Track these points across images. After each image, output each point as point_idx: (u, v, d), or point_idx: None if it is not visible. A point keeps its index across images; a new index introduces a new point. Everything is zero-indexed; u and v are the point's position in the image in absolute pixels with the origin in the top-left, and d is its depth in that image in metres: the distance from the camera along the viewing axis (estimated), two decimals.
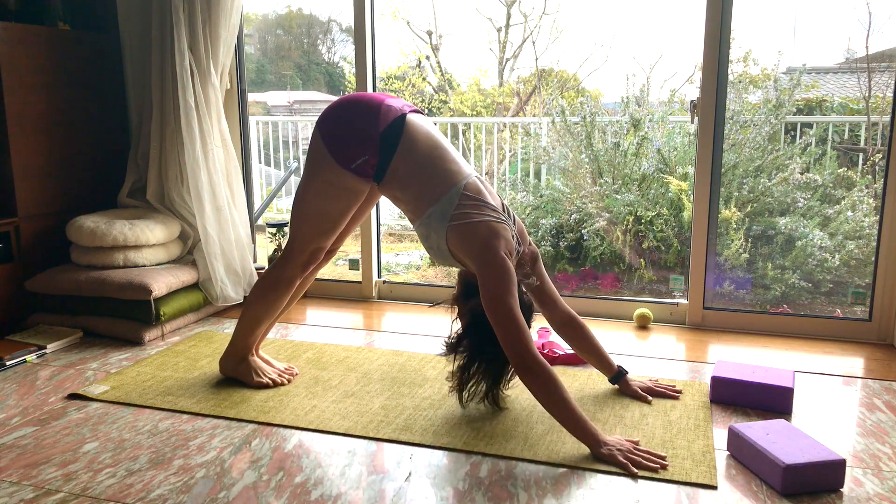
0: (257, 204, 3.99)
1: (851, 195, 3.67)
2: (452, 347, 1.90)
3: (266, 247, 3.20)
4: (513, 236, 1.87)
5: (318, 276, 2.29)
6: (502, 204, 1.96)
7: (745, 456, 1.65)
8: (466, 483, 1.59)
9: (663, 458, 1.67)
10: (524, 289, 1.94)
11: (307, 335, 2.64)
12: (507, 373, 1.91)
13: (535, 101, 6.44)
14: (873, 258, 2.57)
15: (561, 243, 4.07)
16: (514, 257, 1.88)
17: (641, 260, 3.92)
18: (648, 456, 1.67)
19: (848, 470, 1.64)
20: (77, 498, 1.53)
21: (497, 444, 1.75)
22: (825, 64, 5.45)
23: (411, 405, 1.99)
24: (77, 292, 2.60)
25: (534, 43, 6.63)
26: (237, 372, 2.14)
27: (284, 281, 2.06)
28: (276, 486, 1.58)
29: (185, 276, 2.71)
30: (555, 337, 2.29)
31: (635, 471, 1.62)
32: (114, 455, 1.72)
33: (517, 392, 2.04)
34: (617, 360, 2.09)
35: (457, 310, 1.96)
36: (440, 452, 1.73)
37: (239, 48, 3.01)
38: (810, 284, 3.56)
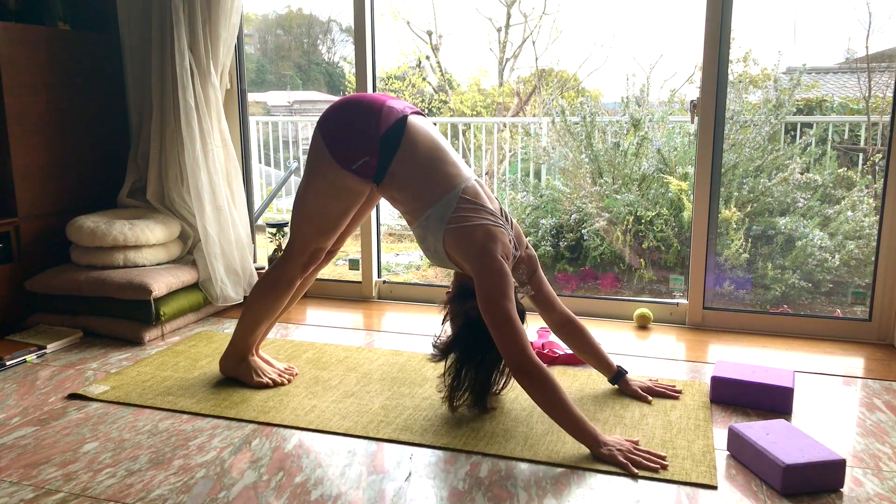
0: (257, 204, 3.99)
1: (851, 195, 3.67)
2: (443, 353, 1.90)
3: (266, 247, 3.20)
4: (510, 240, 1.87)
5: (318, 277, 2.29)
6: (500, 208, 1.96)
7: (745, 456, 1.65)
8: (466, 483, 1.59)
9: (663, 458, 1.67)
10: (519, 295, 1.94)
11: (307, 335, 2.64)
12: (497, 378, 1.91)
13: (535, 101, 6.44)
14: (873, 258, 2.57)
15: (561, 243, 4.07)
16: (511, 261, 1.88)
17: (641, 260, 3.92)
18: (648, 456, 1.67)
19: (848, 470, 1.64)
20: (77, 498, 1.53)
21: (497, 444, 1.75)
22: (825, 64, 5.45)
23: (411, 405, 1.99)
24: (77, 292, 2.60)
25: (534, 43, 6.63)
26: (237, 372, 2.14)
27: (284, 281, 2.06)
28: (276, 486, 1.58)
29: (185, 276, 2.71)
30: (554, 337, 2.28)
31: (635, 471, 1.62)
32: (114, 455, 1.72)
33: (517, 392, 2.04)
34: (617, 360, 2.09)
35: (449, 311, 1.96)
36: (440, 452, 1.73)
37: (239, 48, 3.01)
38: (810, 284, 3.56)
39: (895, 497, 1.53)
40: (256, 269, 2.98)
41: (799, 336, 2.61)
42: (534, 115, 6.22)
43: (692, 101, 2.65)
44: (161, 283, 2.56)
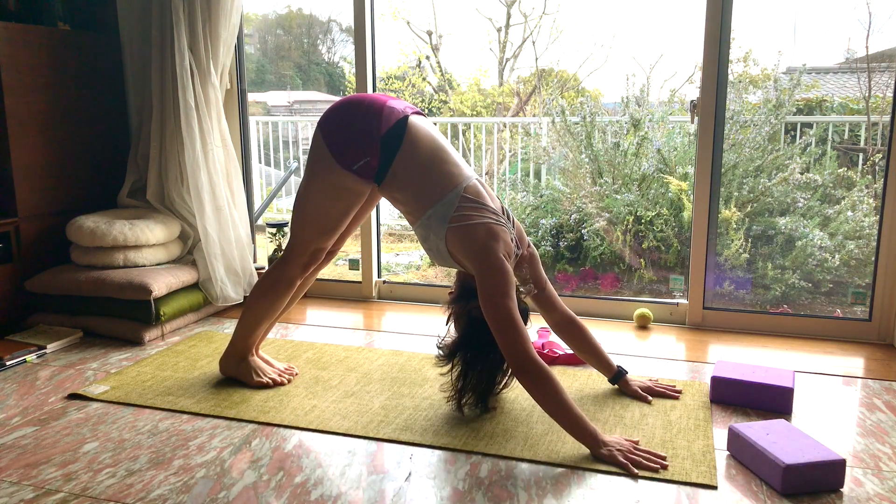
0: (257, 204, 3.99)
1: (851, 195, 3.67)
2: (449, 355, 1.90)
3: (266, 247, 3.20)
4: (511, 239, 1.88)
5: (318, 277, 2.29)
6: (502, 207, 1.96)
7: (745, 456, 1.65)
8: (466, 483, 1.59)
9: (663, 458, 1.67)
10: (520, 294, 1.94)
11: (307, 335, 2.64)
12: (501, 378, 1.91)
13: (535, 101, 6.44)
14: (873, 258, 2.57)
15: (561, 243, 4.07)
16: (513, 260, 1.88)
17: (641, 260, 3.92)
18: (648, 456, 1.67)
19: (848, 470, 1.64)
20: (77, 498, 1.53)
21: (497, 444, 1.75)
22: (825, 64, 5.45)
23: (411, 405, 1.99)
24: (77, 292, 2.60)
25: (534, 43, 6.64)
26: (237, 372, 2.14)
27: (285, 281, 2.06)
28: (276, 486, 1.58)
29: (185, 276, 2.71)
30: (555, 337, 2.28)
31: (635, 471, 1.62)
32: (114, 455, 1.72)
33: (517, 392, 2.04)
34: (617, 360, 2.09)
35: (452, 312, 1.96)
36: (440, 452, 1.73)
37: (239, 48, 3.01)
38: (810, 284, 3.56)
39: (895, 497, 1.53)
40: (256, 269, 2.98)
41: (799, 336, 2.61)
42: (534, 115, 6.22)
43: (692, 101, 2.65)
44: (161, 283, 2.56)
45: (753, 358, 2.37)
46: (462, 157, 1.98)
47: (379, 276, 3.18)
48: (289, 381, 2.16)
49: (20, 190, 2.65)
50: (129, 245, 2.66)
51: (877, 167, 3.88)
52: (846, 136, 4.29)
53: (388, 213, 5.53)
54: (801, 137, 4.06)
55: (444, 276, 4.35)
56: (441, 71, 7.09)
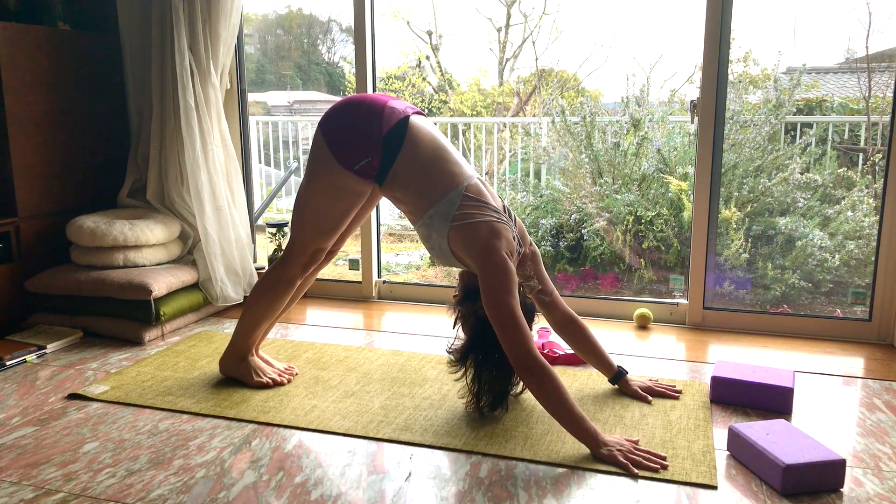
0: (257, 204, 3.99)
1: (851, 195, 3.67)
2: (461, 358, 1.89)
3: (266, 247, 3.20)
4: (514, 237, 1.88)
5: (318, 276, 2.29)
6: (503, 205, 1.96)
7: (745, 456, 1.65)
8: (466, 483, 1.59)
9: (663, 458, 1.67)
10: (525, 291, 1.94)
11: (307, 335, 2.64)
12: (517, 378, 1.90)
13: (535, 101, 6.44)
14: (873, 258, 2.57)
15: (561, 243, 4.07)
16: (516, 258, 1.88)
17: (641, 260, 3.92)
18: (648, 456, 1.67)
19: (848, 470, 1.64)
20: (77, 498, 1.53)
21: (497, 444, 1.75)
22: (825, 64, 5.45)
23: (411, 405, 1.99)
24: (77, 292, 2.60)
25: (534, 43, 6.64)
26: (237, 372, 2.14)
27: (285, 281, 2.06)
28: (276, 486, 1.58)
29: (185, 276, 2.71)
30: (555, 337, 2.28)
31: (636, 471, 1.62)
32: (114, 455, 1.72)
33: (516, 393, 2.04)
34: (617, 360, 2.09)
35: (459, 314, 1.95)
36: (440, 452, 1.73)
37: (239, 48, 3.01)
38: (810, 284, 3.56)
39: (895, 497, 1.53)
40: (256, 269, 2.98)
41: (799, 336, 2.61)
42: (534, 115, 6.22)
43: (692, 101, 2.65)
44: (161, 283, 2.56)
45: (753, 358, 2.37)
46: (462, 156, 1.98)
47: (379, 276, 3.18)
48: (289, 381, 2.16)
49: (20, 190, 2.65)
50: (129, 245, 2.66)
51: (877, 167, 3.88)
52: (846, 136, 4.29)
53: (388, 213, 5.53)
54: (801, 137, 4.06)
55: (445, 276, 4.35)
56: (441, 71, 7.09)
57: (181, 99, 2.70)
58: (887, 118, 2.87)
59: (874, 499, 1.53)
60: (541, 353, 2.28)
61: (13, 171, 2.61)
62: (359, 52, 2.94)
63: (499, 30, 6.80)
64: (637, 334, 2.65)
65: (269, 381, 2.12)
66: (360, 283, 3.15)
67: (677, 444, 1.75)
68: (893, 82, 2.75)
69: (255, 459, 1.70)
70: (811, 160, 3.92)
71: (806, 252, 3.53)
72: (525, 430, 1.83)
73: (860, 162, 4.07)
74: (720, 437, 1.79)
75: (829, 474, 1.55)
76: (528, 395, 2.02)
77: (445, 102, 6.94)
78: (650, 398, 2.00)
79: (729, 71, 2.62)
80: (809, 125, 4.25)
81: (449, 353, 1.93)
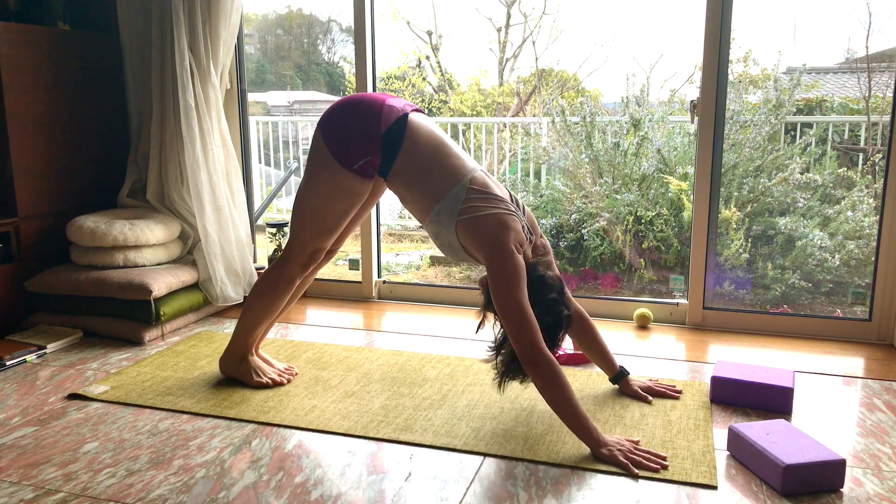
0: (257, 204, 3.99)
1: (851, 195, 3.67)
2: (497, 349, 1.84)
3: (266, 247, 3.20)
4: (523, 227, 1.86)
5: (318, 276, 2.29)
6: (510, 195, 1.94)
7: (745, 456, 1.65)
8: (466, 483, 1.59)
9: (664, 458, 1.67)
10: (541, 269, 1.87)
11: (307, 335, 2.64)
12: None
13: (535, 101, 6.44)
14: (873, 258, 2.57)
15: (561, 243, 4.07)
16: (528, 246, 1.86)
17: (641, 260, 3.92)
18: (649, 456, 1.67)
19: (848, 470, 1.64)
20: (77, 498, 1.53)
21: (497, 444, 1.75)
22: (825, 64, 5.45)
23: (411, 405, 1.99)
24: (77, 292, 2.60)
25: (534, 43, 6.64)
26: (237, 371, 2.14)
27: (284, 281, 2.06)
28: (276, 486, 1.58)
29: (185, 276, 2.71)
30: None
31: (636, 471, 1.62)
32: (114, 455, 1.72)
33: (516, 392, 2.04)
34: (618, 361, 2.09)
35: (485, 316, 1.90)
36: (440, 452, 1.73)
37: (239, 48, 3.00)
38: (810, 284, 3.56)
39: (895, 497, 1.53)
40: (256, 269, 2.98)
41: (799, 336, 2.61)
42: (534, 115, 6.22)
43: (692, 101, 2.65)
44: (161, 283, 2.56)
45: (753, 358, 2.37)
46: (464, 150, 1.96)
47: (379, 276, 3.18)
48: (288, 381, 2.16)
49: (20, 190, 2.65)
50: (129, 245, 2.66)
51: (877, 167, 3.88)
52: (846, 136, 4.29)
53: (388, 214, 5.53)
54: (801, 137, 4.06)
55: (444, 277, 4.35)
56: (441, 71, 7.10)
57: (181, 99, 2.70)
58: (887, 118, 2.87)
59: (874, 499, 1.53)
60: None
61: (13, 171, 2.61)
62: (359, 52, 2.94)
63: (499, 30, 6.81)
64: (637, 334, 2.65)
65: (269, 381, 2.12)
66: (360, 283, 3.15)
67: (677, 444, 1.75)
68: (893, 82, 2.75)
69: (255, 459, 1.70)
70: (811, 160, 3.92)
71: (806, 252, 3.54)
72: (525, 430, 1.83)
73: (860, 162, 4.08)
74: (720, 437, 1.79)
75: (829, 474, 1.55)
76: (528, 395, 2.03)
77: (445, 102, 6.94)
78: (650, 398, 2.00)
79: (729, 71, 2.62)
80: (809, 125, 4.25)
81: (488, 350, 1.88)
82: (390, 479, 1.62)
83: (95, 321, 2.61)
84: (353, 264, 3.34)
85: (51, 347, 2.45)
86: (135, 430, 1.86)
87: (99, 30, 3.01)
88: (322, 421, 1.89)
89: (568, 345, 2.24)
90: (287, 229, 3.16)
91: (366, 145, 1.89)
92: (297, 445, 1.78)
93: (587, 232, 3.98)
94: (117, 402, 2.03)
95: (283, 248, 3.11)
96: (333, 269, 4.05)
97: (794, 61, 4.66)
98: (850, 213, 3.61)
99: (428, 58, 7.07)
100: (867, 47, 4.11)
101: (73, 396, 2.07)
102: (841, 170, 3.86)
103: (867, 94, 4.16)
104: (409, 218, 5.62)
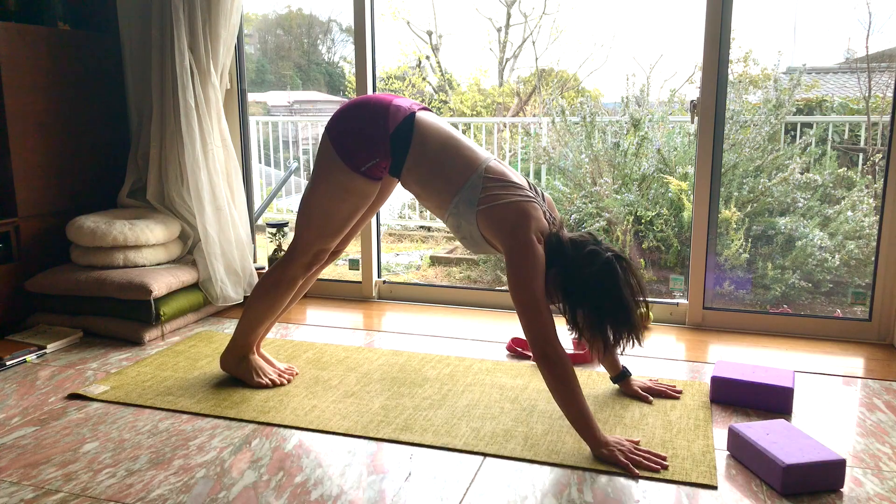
0: (257, 204, 3.99)
1: (851, 195, 3.67)
2: (574, 326, 1.77)
3: (266, 247, 3.20)
4: (544, 213, 1.85)
5: (318, 276, 2.29)
6: (528, 182, 1.92)
7: (745, 456, 1.65)
8: (466, 483, 1.59)
9: (664, 458, 1.67)
10: (562, 234, 1.81)
11: (307, 335, 2.64)
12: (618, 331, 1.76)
13: (535, 101, 6.44)
14: (873, 258, 2.57)
15: None
16: (553, 226, 1.84)
17: (641, 260, 3.92)
18: (649, 456, 1.67)
19: (848, 470, 1.64)
20: (77, 498, 1.53)
21: (497, 444, 1.75)
22: (825, 64, 5.45)
23: (411, 405, 1.99)
24: (77, 292, 2.60)
25: (534, 43, 6.64)
26: (238, 370, 2.14)
27: (286, 280, 2.06)
28: (276, 486, 1.58)
29: (185, 276, 2.71)
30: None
31: (636, 471, 1.62)
32: (114, 455, 1.72)
33: (516, 392, 2.05)
34: (620, 360, 2.09)
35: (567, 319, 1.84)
36: (440, 452, 1.73)
37: (239, 48, 3.00)
38: (810, 284, 3.56)
39: (895, 497, 1.53)
40: (256, 269, 2.98)
41: (799, 336, 2.61)
42: (534, 115, 6.22)
43: (692, 101, 2.65)
44: (161, 283, 2.56)
45: (753, 358, 2.37)
46: (475, 141, 1.95)
47: (379, 276, 3.18)
48: (289, 381, 2.16)
49: (20, 190, 2.64)
50: (129, 245, 2.66)
51: (877, 167, 3.88)
52: (846, 136, 4.29)
53: (388, 213, 5.53)
54: (801, 137, 4.06)
55: (444, 277, 4.35)
56: (441, 71, 7.10)
57: (181, 99, 2.70)
58: (887, 118, 2.87)
59: (874, 499, 1.53)
60: None
61: (13, 171, 2.61)
62: (359, 52, 2.94)
63: (499, 30, 6.81)
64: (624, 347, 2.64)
65: (269, 381, 2.13)
66: (360, 283, 3.15)
67: (677, 444, 1.75)
68: (893, 82, 2.75)
69: (255, 459, 1.70)
70: (811, 160, 3.92)
71: (806, 252, 3.54)
72: (525, 430, 1.83)
73: (860, 162, 4.08)
74: (720, 437, 1.79)
75: (829, 474, 1.55)
76: (528, 396, 2.03)
77: (445, 102, 6.94)
78: (651, 398, 2.00)
79: (729, 71, 2.62)
80: (809, 125, 4.25)
81: (570, 332, 1.81)
82: (390, 479, 1.62)
83: (95, 321, 2.61)
84: (353, 264, 3.34)
85: (51, 347, 2.45)
86: (135, 430, 1.86)
87: (99, 30, 3.01)
88: (322, 421, 1.89)
89: (568, 345, 2.24)
90: (287, 229, 3.16)
91: (374, 147, 1.89)
92: (297, 445, 1.78)
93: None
94: (117, 402, 2.03)
95: (282, 248, 3.12)
96: (333, 269, 4.04)
97: (794, 61, 4.67)
98: (850, 213, 3.61)
99: (428, 58, 7.07)
100: (867, 47, 4.12)
101: (73, 396, 2.07)
102: (841, 170, 3.86)
103: (867, 94, 4.16)
104: (409, 218, 5.63)
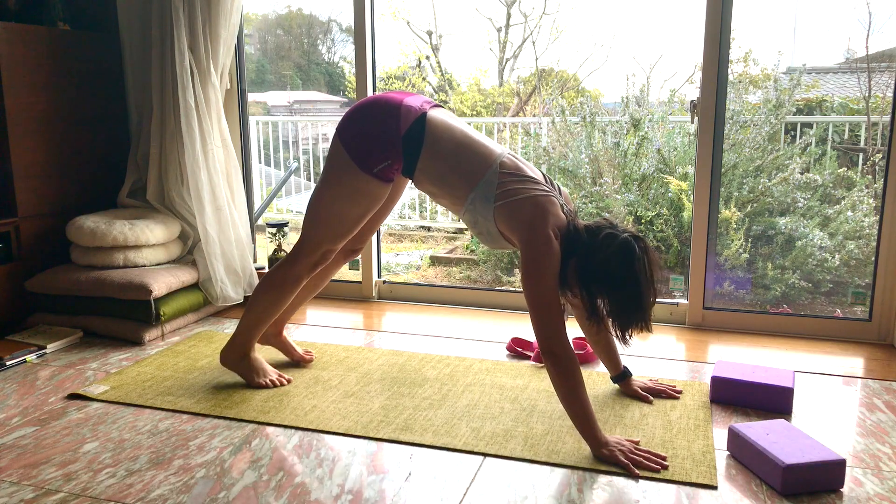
0: (257, 204, 3.99)
1: (851, 195, 3.67)
2: (593, 314, 1.76)
3: (266, 247, 3.20)
4: (561, 205, 1.83)
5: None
6: (544, 175, 1.90)
7: (745, 456, 1.65)
8: (466, 483, 1.59)
9: (664, 458, 1.67)
10: (578, 224, 1.79)
11: (307, 335, 2.64)
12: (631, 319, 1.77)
13: (535, 101, 6.45)
14: (873, 258, 2.57)
15: None
16: (571, 217, 1.82)
17: None
18: (649, 456, 1.67)
19: (848, 470, 1.64)
20: (77, 498, 1.53)
21: (497, 444, 1.75)
22: (825, 64, 5.46)
23: (411, 405, 1.99)
24: (77, 292, 2.60)
25: (534, 43, 6.64)
26: (238, 368, 2.14)
27: (291, 279, 2.06)
28: (276, 486, 1.58)
29: (185, 276, 2.71)
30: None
31: (636, 471, 1.62)
32: (114, 455, 1.72)
33: (516, 392, 2.05)
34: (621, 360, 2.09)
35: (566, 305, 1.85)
36: (440, 452, 1.73)
37: (239, 48, 3.00)
38: (810, 284, 3.56)
39: (895, 497, 1.53)
40: (256, 269, 2.98)
41: (799, 336, 2.61)
42: (534, 115, 6.22)
43: (692, 101, 2.65)
44: (161, 283, 2.56)
45: (753, 358, 2.37)
46: (488, 137, 1.95)
47: (379, 276, 3.18)
48: (289, 381, 2.16)
49: (20, 190, 2.64)
50: (129, 245, 2.66)
51: (877, 167, 3.88)
52: (846, 136, 4.29)
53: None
54: (801, 137, 4.06)
55: (444, 277, 4.35)
56: (441, 71, 7.10)
57: (181, 99, 2.70)
58: (887, 118, 2.87)
59: (874, 499, 1.53)
60: None
61: (13, 171, 2.61)
62: (359, 52, 2.94)
63: (499, 30, 6.81)
64: (637, 334, 2.64)
65: (270, 382, 2.13)
66: (360, 283, 3.15)
67: (677, 444, 1.75)
68: (893, 82, 2.75)
69: (255, 459, 1.70)
70: (811, 160, 3.92)
71: (806, 252, 3.54)
72: (525, 430, 1.83)
73: (860, 162, 4.08)
74: (720, 437, 1.79)
75: (829, 474, 1.55)
76: (528, 396, 2.03)
77: (445, 102, 6.94)
78: (651, 398, 2.00)
79: (729, 71, 2.62)
80: (809, 125, 4.25)
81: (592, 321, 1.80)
82: (390, 479, 1.62)
83: (95, 321, 2.61)
84: (353, 264, 3.33)
85: (51, 347, 2.45)
86: (135, 430, 1.86)
87: (99, 29, 3.01)
88: (322, 421, 1.89)
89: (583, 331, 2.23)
90: (287, 229, 3.17)
91: (386, 148, 1.88)
92: (297, 445, 1.78)
93: None
94: (117, 402, 2.03)
95: (283, 248, 3.12)
96: None
97: (794, 61, 4.67)
98: (850, 213, 3.61)
99: (428, 58, 7.07)
100: (867, 47, 4.12)
101: (73, 396, 2.07)
102: (841, 170, 3.86)
103: (867, 94, 4.16)
104: (409, 218, 5.63)
